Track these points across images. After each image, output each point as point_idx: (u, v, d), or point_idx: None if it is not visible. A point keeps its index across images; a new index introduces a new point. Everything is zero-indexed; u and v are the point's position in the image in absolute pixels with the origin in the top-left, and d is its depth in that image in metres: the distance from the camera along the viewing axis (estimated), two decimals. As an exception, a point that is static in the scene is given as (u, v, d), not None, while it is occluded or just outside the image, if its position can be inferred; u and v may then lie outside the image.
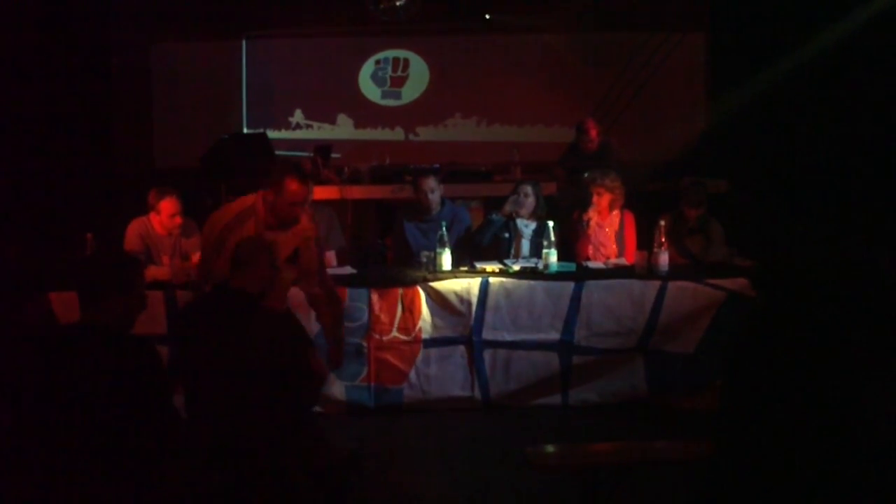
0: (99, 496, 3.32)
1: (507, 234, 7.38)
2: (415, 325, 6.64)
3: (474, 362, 6.70)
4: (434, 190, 7.49)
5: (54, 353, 3.49)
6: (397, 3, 9.72)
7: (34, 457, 3.35)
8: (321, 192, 7.86)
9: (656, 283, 6.75)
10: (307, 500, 4.34)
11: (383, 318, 6.64)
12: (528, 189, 7.48)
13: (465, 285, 6.70)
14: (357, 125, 11.63)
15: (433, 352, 6.70)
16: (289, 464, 4.13)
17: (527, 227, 7.48)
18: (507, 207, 7.49)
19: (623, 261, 7.36)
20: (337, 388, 6.55)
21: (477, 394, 6.77)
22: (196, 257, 7.19)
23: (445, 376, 6.72)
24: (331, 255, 7.50)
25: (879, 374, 2.55)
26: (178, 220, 7.19)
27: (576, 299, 6.74)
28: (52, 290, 6.37)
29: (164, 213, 7.12)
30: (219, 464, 4.00)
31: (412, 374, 6.68)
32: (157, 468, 3.43)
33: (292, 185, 5.22)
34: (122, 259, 3.86)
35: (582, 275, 6.89)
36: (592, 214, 7.51)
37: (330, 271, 7.13)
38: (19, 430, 3.39)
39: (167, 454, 3.48)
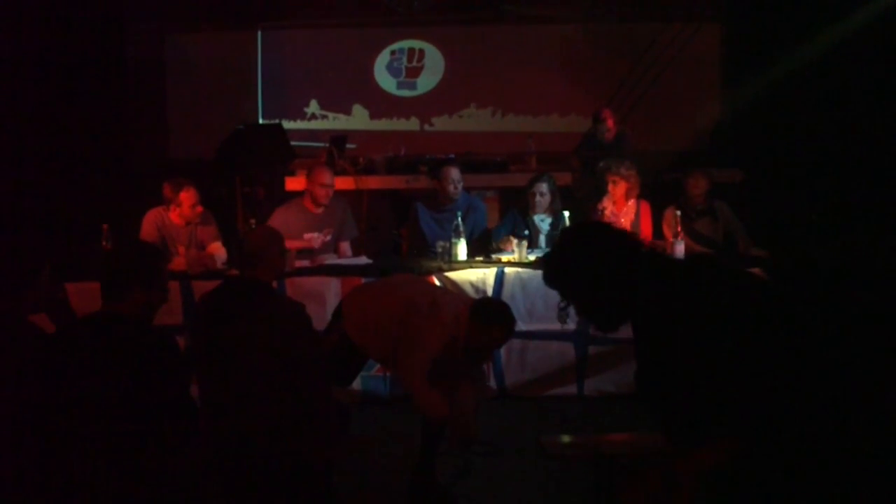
0: (116, 484, 3.33)
1: (526, 232, 7.35)
2: (430, 315, 6.63)
3: (490, 352, 6.71)
4: (460, 181, 7.50)
5: (74, 341, 3.51)
6: (413, -6, 9.73)
7: (52, 444, 3.37)
8: (337, 183, 7.87)
9: (673, 273, 6.73)
10: (322, 488, 4.36)
11: (399, 308, 6.63)
12: (544, 188, 7.46)
13: (480, 275, 6.71)
14: (372, 116, 11.62)
15: (448, 342, 6.70)
16: (304, 451, 4.14)
17: (543, 221, 7.47)
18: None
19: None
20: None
21: (492, 383, 6.77)
22: (211, 247, 7.22)
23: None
24: (346, 246, 7.51)
25: (890, 364, 2.55)
26: (200, 208, 7.23)
27: (592, 289, 6.72)
28: (69, 281, 6.43)
29: (186, 205, 7.15)
30: (234, 452, 4.01)
31: (428, 365, 6.68)
32: (173, 457, 3.44)
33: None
34: (146, 251, 3.85)
35: (598, 265, 6.87)
36: (608, 204, 7.50)
37: (345, 262, 7.17)
38: (38, 418, 3.40)
39: (184, 443, 3.49)
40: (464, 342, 4.92)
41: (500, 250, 7.14)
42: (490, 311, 5.02)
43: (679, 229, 6.92)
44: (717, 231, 7.50)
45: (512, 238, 7.02)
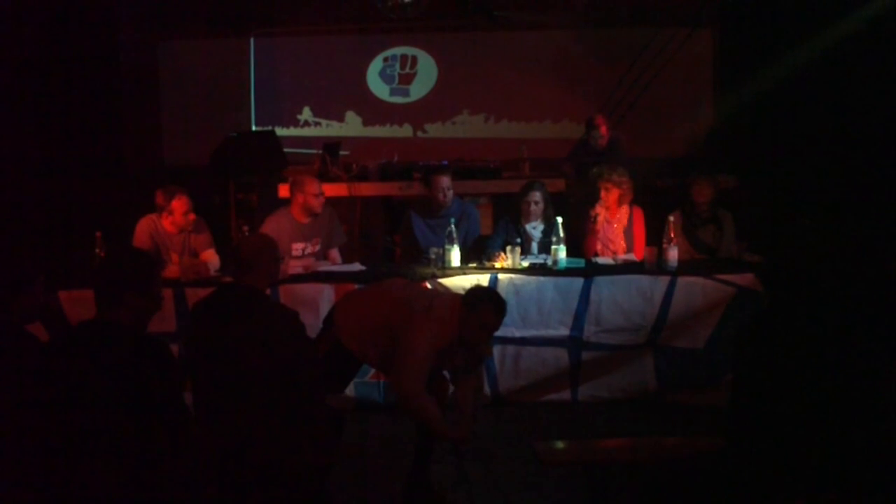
0: (111, 491, 3.33)
1: (518, 240, 7.34)
2: (424, 321, 6.63)
3: (483, 358, 6.71)
4: (450, 188, 7.49)
5: (68, 349, 3.50)
6: (405, 1, 9.72)
7: (47, 453, 3.36)
8: (330, 190, 7.86)
9: (665, 279, 6.75)
10: (316, 495, 4.35)
11: (392, 314, 6.62)
12: (537, 196, 7.44)
13: (473, 282, 6.69)
14: (365, 122, 11.63)
15: (442, 348, 6.69)
16: (298, 458, 4.13)
17: (535, 229, 7.47)
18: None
19: (632, 256, 7.36)
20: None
21: (486, 390, 6.77)
22: (205, 254, 7.21)
23: (454, 372, 6.74)
24: (335, 253, 7.49)
25: (886, 367, 2.55)
26: (192, 216, 7.20)
27: (585, 295, 6.74)
28: (63, 289, 6.42)
29: (178, 212, 7.13)
30: (227, 460, 4.01)
31: (421, 371, 6.67)
32: (167, 465, 3.44)
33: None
34: (140, 259, 3.85)
35: (591, 271, 6.89)
36: (601, 210, 7.51)
37: (338, 268, 7.16)
38: (32, 427, 3.40)
39: (178, 451, 3.49)
40: (458, 334, 4.93)
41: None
42: (476, 294, 5.11)
43: (672, 234, 6.92)
44: (720, 240, 7.49)
45: (503, 254, 7.01)
